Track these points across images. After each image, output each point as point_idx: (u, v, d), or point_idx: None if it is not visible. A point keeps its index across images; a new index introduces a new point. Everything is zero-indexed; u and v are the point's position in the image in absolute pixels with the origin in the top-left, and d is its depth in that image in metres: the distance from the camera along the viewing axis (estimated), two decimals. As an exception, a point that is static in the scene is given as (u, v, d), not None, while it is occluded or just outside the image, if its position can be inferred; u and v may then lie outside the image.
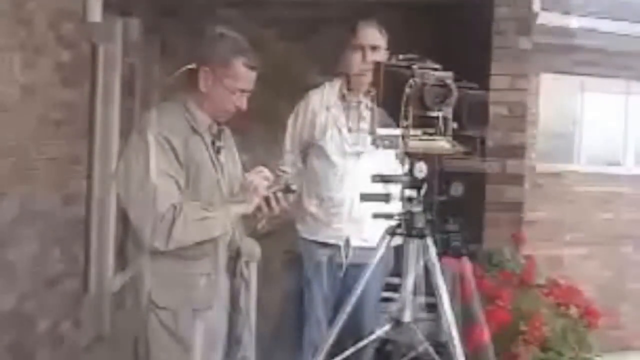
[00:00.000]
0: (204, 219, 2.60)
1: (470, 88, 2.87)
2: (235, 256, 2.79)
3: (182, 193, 2.62)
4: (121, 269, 2.65)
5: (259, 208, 2.72)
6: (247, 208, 2.70)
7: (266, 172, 2.74)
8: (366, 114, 3.71)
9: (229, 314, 2.81)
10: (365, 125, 3.71)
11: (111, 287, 2.65)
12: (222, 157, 2.78)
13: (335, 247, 3.74)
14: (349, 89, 3.78)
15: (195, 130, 2.69)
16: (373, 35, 3.71)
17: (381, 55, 3.66)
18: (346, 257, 3.73)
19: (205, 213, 2.61)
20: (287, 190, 2.78)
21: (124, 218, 2.68)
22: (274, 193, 2.73)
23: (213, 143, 2.75)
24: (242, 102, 2.73)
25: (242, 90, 2.72)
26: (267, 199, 2.72)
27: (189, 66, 2.69)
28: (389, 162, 3.35)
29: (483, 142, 2.85)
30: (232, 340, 2.81)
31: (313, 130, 3.76)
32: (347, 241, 3.73)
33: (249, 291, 2.87)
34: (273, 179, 2.76)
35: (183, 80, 2.72)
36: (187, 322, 2.65)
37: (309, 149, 3.80)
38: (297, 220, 3.81)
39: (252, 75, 2.73)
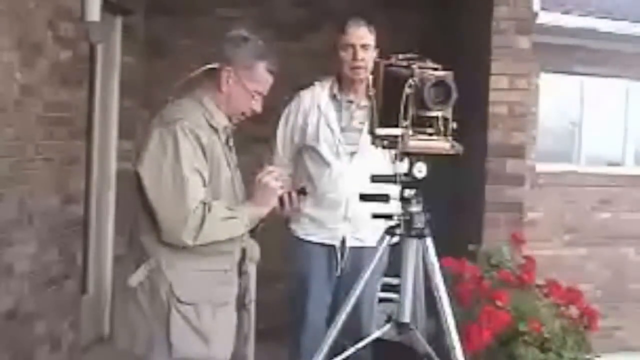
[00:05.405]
0: (229, 218, 2.64)
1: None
2: (241, 256, 2.82)
3: (206, 190, 2.64)
4: (135, 265, 2.66)
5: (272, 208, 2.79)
6: (266, 209, 2.75)
7: (277, 172, 2.78)
8: (358, 113, 3.70)
9: (238, 311, 2.84)
10: (357, 124, 3.69)
11: (130, 282, 2.65)
12: (233, 156, 2.82)
13: (331, 247, 3.73)
14: (340, 89, 3.77)
15: (213, 128, 2.72)
16: (363, 34, 3.70)
17: (371, 54, 3.66)
18: (342, 257, 3.72)
19: (229, 212, 2.65)
20: (302, 192, 2.88)
21: (134, 212, 2.69)
22: (289, 194, 2.79)
23: (226, 142, 2.79)
24: (258, 105, 2.80)
25: (259, 93, 2.78)
26: (280, 199, 2.78)
27: (212, 65, 2.72)
28: (382, 161, 3.34)
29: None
30: (241, 338, 2.85)
31: (305, 131, 3.75)
32: (343, 241, 3.72)
33: (250, 290, 2.92)
34: (284, 179, 2.82)
35: (199, 78, 2.75)
36: (208, 317, 2.68)
37: (301, 149, 3.78)
38: (292, 220, 3.79)
39: (270, 79, 2.80)
